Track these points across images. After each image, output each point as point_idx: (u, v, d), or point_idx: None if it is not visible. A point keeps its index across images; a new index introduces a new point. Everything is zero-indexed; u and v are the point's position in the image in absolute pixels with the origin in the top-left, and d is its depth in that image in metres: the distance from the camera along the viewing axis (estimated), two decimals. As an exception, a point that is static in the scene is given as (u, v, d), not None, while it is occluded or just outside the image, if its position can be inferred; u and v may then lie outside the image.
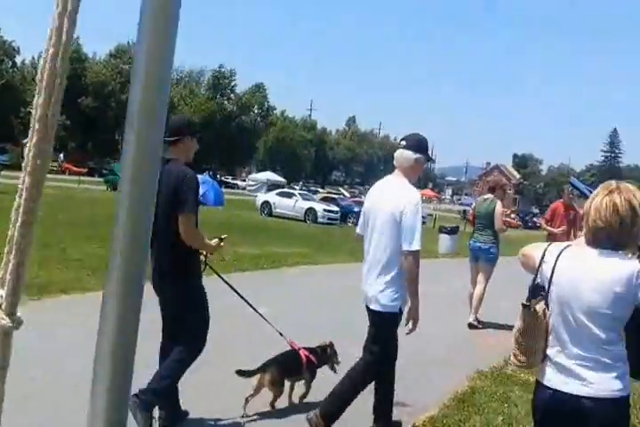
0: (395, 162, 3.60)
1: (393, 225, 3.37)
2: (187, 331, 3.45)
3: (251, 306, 4.01)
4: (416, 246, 3.33)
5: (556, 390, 2.17)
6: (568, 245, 2.27)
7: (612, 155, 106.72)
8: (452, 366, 5.55)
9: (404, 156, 3.54)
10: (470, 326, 7.06)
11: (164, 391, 3.35)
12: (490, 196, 7.22)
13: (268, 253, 12.32)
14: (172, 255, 3.36)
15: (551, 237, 7.76)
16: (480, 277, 7.14)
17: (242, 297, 3.98)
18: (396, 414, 4.15)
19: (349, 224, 26.61)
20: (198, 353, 3.48)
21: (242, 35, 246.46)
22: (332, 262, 12.25)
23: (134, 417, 3.14)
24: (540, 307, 2.22)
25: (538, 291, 2.25)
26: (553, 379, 2.20)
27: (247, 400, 3.82)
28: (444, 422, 4.06)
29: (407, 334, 3.56)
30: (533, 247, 2.40)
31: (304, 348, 4.11)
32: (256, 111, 72.44)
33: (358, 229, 3.82)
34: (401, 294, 3.45)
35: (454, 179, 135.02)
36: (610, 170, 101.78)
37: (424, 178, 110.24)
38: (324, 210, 25.20)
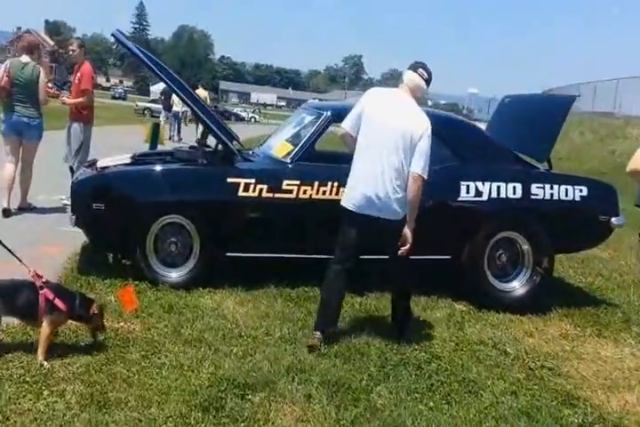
0: (407, 82, 3.61)
1: (404, 145, 3.46)
2: None
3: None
4: (426, 173, 3.49)
5: None
6: None
7: (141, 27, 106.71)
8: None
9: (421, 88, 3.63)
10: (5, 212, 6.02)
11: None
12: (28, 59, 6.20)
13: None
14: None
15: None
16: (27, 157, 6.39)
17: None
18: None
19: None
20: None
21: None
22: None
23: None
24: None
25: None
26: None
27: None
28: None
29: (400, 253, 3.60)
30: None
31: (55, 285, 3.27)
32: None
33: (349, 129, 3.63)
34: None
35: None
36: (138, 41, 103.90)
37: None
38: None
